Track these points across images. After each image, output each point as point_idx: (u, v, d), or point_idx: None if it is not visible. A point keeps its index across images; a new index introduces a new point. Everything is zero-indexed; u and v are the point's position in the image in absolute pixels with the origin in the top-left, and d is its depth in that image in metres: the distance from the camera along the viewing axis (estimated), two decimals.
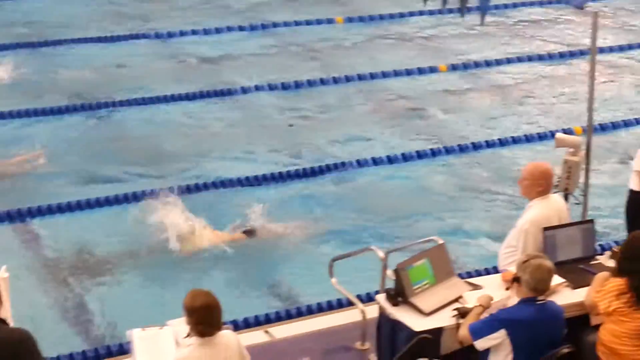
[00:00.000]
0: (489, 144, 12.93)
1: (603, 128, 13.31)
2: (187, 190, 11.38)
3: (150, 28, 16.82)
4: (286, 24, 17.18)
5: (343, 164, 12.23)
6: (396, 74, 15.16)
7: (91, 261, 10.22)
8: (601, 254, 8.00)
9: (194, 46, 16.20)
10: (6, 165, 11.94)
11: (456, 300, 7.15)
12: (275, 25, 17.12)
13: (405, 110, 14.14)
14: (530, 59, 16.11)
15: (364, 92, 14.62)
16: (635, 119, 13.84)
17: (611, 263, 7.41)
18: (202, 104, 14.04)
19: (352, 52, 16.29)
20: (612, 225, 10.57)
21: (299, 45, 16.41)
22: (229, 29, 16.87)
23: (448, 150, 12.71)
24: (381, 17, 17.75)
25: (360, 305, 8.07)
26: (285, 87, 14.56)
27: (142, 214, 10.62)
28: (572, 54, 16.23)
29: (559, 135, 9.15)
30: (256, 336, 8.16)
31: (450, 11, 16.00)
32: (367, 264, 8.65)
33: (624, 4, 19.05)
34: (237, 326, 8.24)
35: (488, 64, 15.77)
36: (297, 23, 17.23)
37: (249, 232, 10.64)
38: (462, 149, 12.79)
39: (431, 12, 17.52)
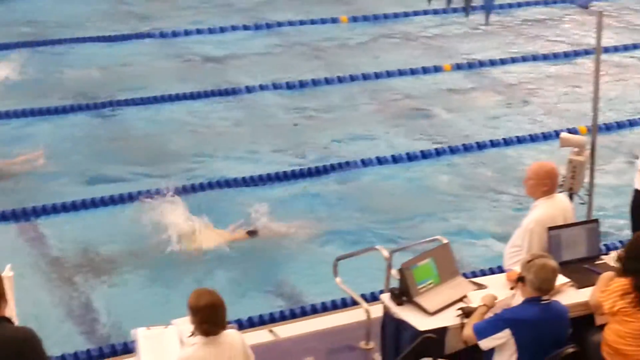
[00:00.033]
0: (494, 144, 12.90)
1: (608, 128, 13.29)
2: (192, 189, 11.39)
3: (154, 27, 16.81)
4: (291, 23, 17.17)
5: (347, 163, 12.21)
6: (401, 73, 15.14)
7: (96, 260, 10.21)
8: (606, 254, 7.99)
9: (199, 45, 16.18)
10: (10, 164, 11.93)
11: (460, 299, 7.15)
12: (279, 24, 17.11)
13: (410, 110, 14.12)
14: (535, 58, 16.08)
15: (368, 92, 14.61)
16: None
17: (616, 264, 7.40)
18: (207, 103, 14.03)
19: (357, 52, 16.27)
20: (617, 225, 10.54)
21: (303, 45, 16.40)
22: (234, 28, 16.86)
23: (452, 150, 12.68)
24: (386, 17, 17.72)
25: (364, 304, 8.07)
26: (289, 86, 14.54)
27: (147, 213, 10.61)
28: (577, 54, 16.18)
29: (563, 134, 9.13)
30: (260, 335, 8.15)
31: (455, 10, 15.95)
32: (372, 264, 8.62)
33: (629, 4, 19.00)
34: (241, 325, 8.25)
35: (493, 63, 15.74)
36: (301, 22, 17.21)
37: (252, 233, 10.64)
38: (467, 148, 12.76)
39: (436, 12, 17.51)
